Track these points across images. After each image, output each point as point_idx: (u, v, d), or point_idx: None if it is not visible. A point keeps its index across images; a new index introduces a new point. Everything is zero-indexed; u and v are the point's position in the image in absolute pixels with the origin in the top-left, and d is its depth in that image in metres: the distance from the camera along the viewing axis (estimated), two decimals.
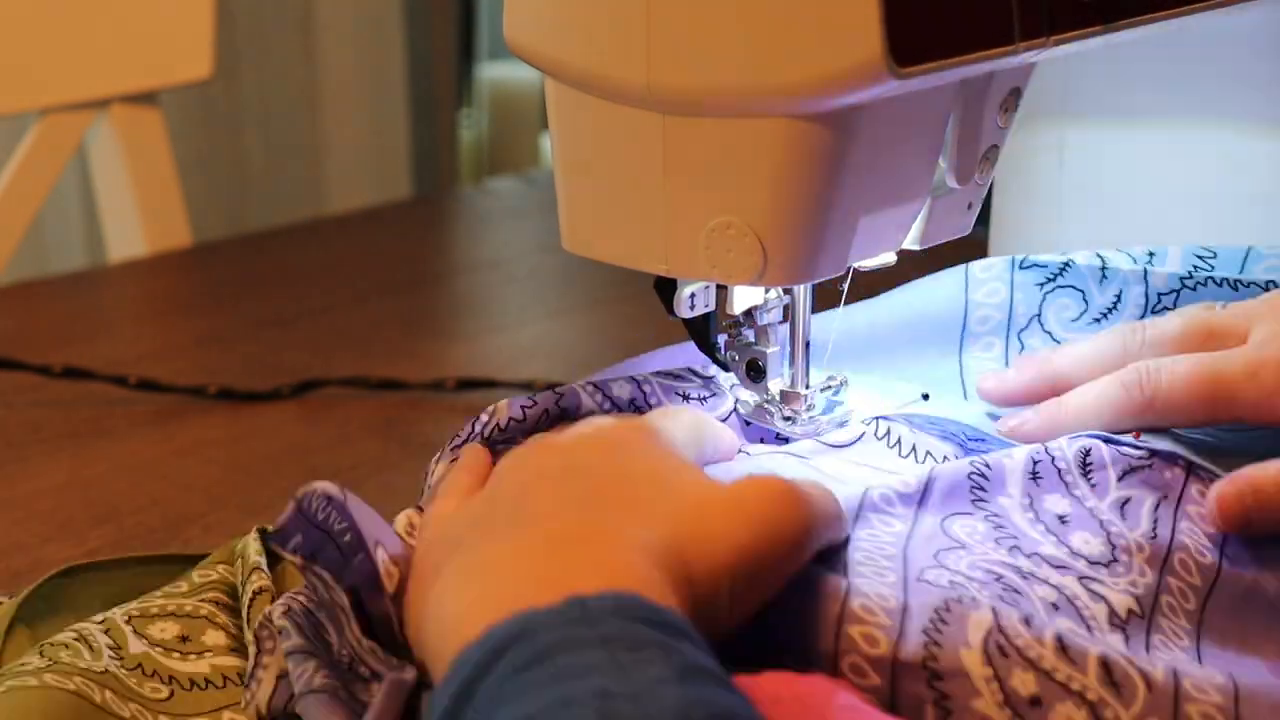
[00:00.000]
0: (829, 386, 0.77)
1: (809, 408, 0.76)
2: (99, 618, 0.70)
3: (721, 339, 0.77)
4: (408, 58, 2.63)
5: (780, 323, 0.77)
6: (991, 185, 0.77)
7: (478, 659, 0.51)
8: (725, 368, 0.77)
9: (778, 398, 0.76)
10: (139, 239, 1.51)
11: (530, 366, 1.14)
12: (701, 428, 0.71)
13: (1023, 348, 0.82)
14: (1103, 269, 0.81)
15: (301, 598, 0.67)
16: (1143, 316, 0.80)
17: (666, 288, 0.75)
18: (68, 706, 0.64)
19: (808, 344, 0.76)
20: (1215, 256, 0.81)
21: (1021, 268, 0.83)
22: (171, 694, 0.68)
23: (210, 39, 1.51)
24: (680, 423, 0.69)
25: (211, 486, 0.95)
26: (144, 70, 1.49)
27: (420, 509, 0.69)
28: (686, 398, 0.77)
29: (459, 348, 1.21)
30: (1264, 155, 0.92)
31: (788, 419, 0.76)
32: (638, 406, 0.76)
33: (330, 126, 2.56)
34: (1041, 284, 0.82)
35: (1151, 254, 0.82)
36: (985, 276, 0.84)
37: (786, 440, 0.76)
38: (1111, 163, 0.97)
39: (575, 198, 0.72)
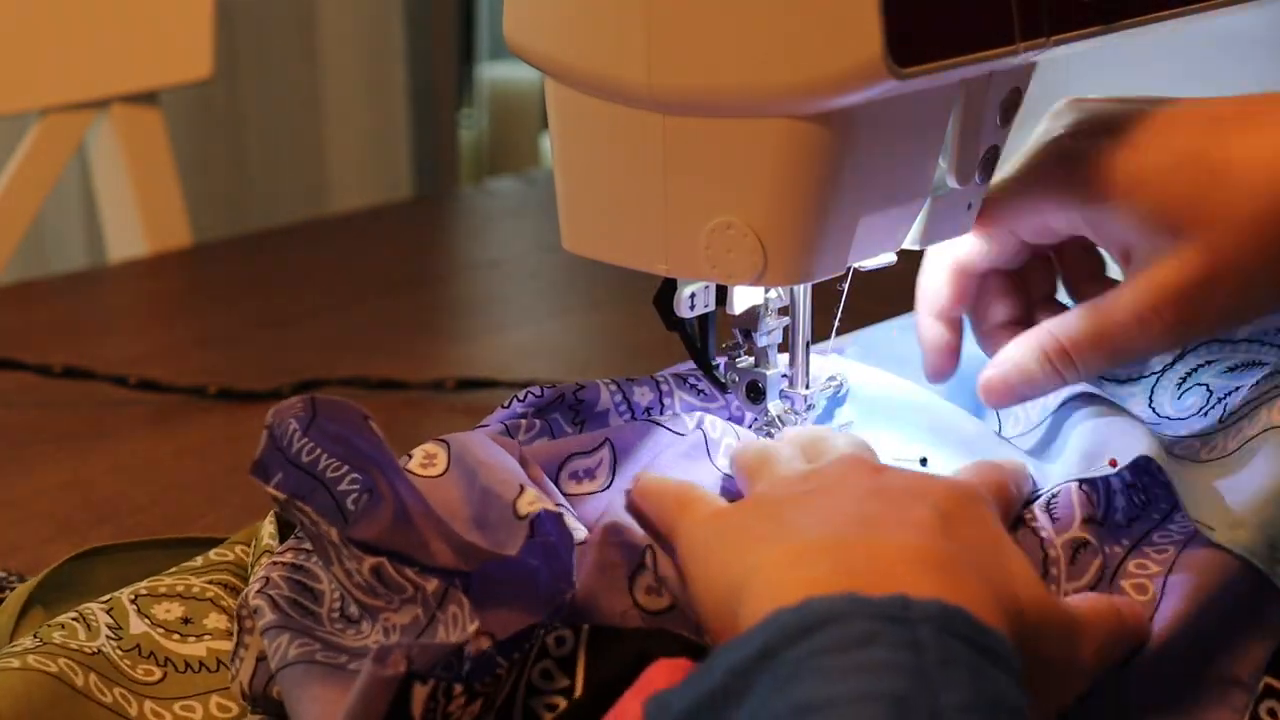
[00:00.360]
0: (829, 386, 0.77)
1: (809, 407, 0.76)
2: (106, 597, 0.70)
3: (721, 361, 0.77)
4: (408, 58, 2.63)
5: (781, 339, 0.77)
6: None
7: (789, 626, 0.51)
8: (723, 387, 0.77)
9: (778, 419, 0.76)
10: (139, 239, 1.51)
11: (530, 366, 1.14)
12: None
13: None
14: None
15: (284, 560, 0.67)
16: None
17: (665, 301, 0.75)
18: (44, 690, 0.64)
19: (809, 343, 0.76)
20: None
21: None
22: (164, 676, 0.68)
23: (210, 39, 1.51)
24: (1000, 496, 0.68)
25: (211, 486, 0.95)
26: (144, 70, 1.49)
27: (445, 442, 0.69)
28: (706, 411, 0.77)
29: (459, 348, 1.21)
30: None
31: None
32: (654, 416, 0.76)
33: (331, 126, 2.56)
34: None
35: None
36: None
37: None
38: None
39: (575, 198, 0.72)
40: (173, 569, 0.74)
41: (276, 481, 0.64)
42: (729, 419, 0.77)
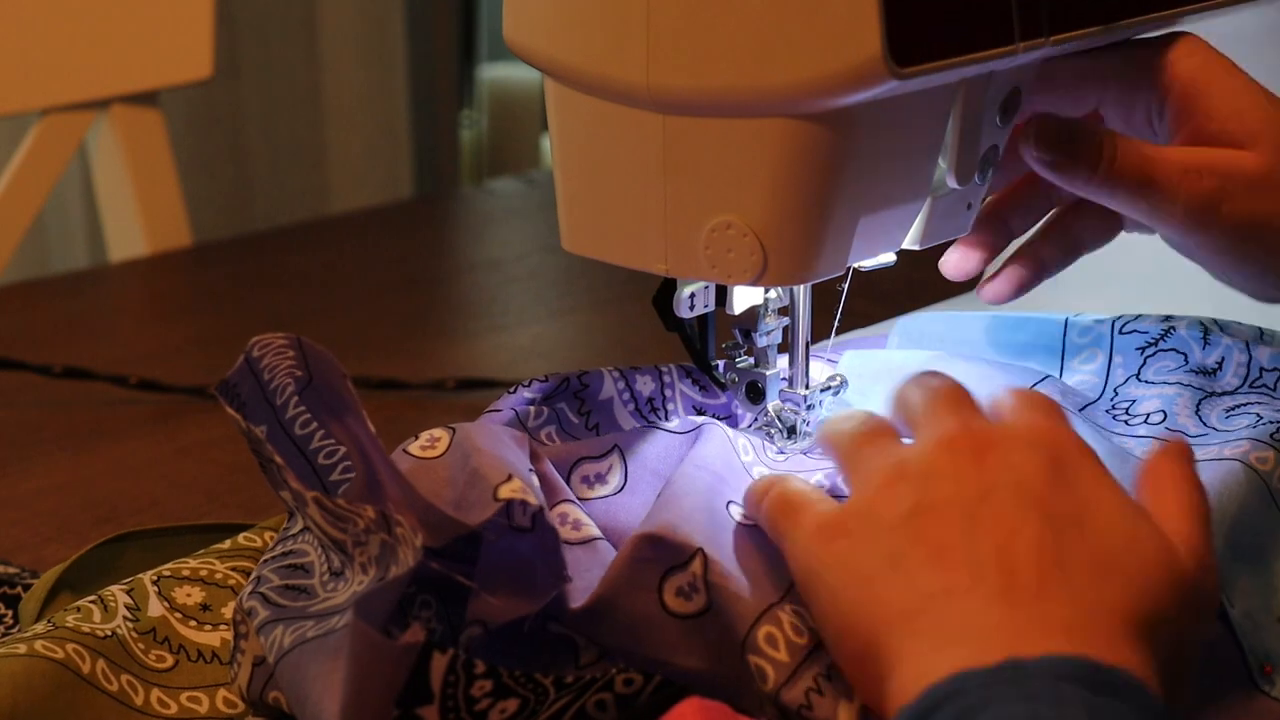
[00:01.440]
0: (829, 387, 0.77)
1: (809, 407, 0.76)
2: (129, 579, 0.70)
3: (721, 362, 0.77)
4: (409, 58, 2.63)
5: (782, 333, 0.77)
6: (991, 185, 0.77)
7: (912, 715, 0.52)
8: (722, 387, 0.77)
9: (777, 419, 0.76)
10: (139, 239, 1.51)
11: (530, 366, 1.14)
12: None
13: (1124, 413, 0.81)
14: (1205, 336, 0.80)
15: (274, 554, 0.67)
16: (1241, 388, 0.79)
17: (665, 302, 0.75)
18: (46, 677, 0.64)
19: (808, 343, 0.76)
20: None
21: (1121, 332, 0.82)
22: (176, 664, 0.68)
23: (210, 39, 1.51)
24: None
25: (211, 486, 0.95)
26: (144, 70, 1.49)
27: (452, 429, 0.69)
28: (701, 411, 0.77)
29: (459, 348, 1.21)
30: None
31: (788, 436, 0.76)
32: (655, 407, 0.76)
33: (331, 127, 2.56)
34: (1142, 349, 0.81)
35: (1261, 331, 0.81)
36: (1083, 342, 0.83)
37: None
38: None
39: (575, 198, 0.72)
40: (200, 550, 0.74)
41: (238, 404, 0.65)
42: (727, 416, 0.77)
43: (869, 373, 0.79)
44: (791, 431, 0.76)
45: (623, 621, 0.64)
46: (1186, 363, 0.80)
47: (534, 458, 0.70)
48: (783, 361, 0.77)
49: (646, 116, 0.67)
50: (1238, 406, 0.77)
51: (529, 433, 0.72)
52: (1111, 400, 0.80)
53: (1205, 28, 0.79)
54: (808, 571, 0.61)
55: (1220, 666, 0.65)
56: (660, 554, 0.64)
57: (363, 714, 0.57)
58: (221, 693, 0.68)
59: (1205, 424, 0.76)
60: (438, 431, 0.69)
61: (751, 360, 0.77)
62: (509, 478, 0.64)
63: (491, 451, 0.67)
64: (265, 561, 0.68)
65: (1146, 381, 0.80)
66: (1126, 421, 0.78)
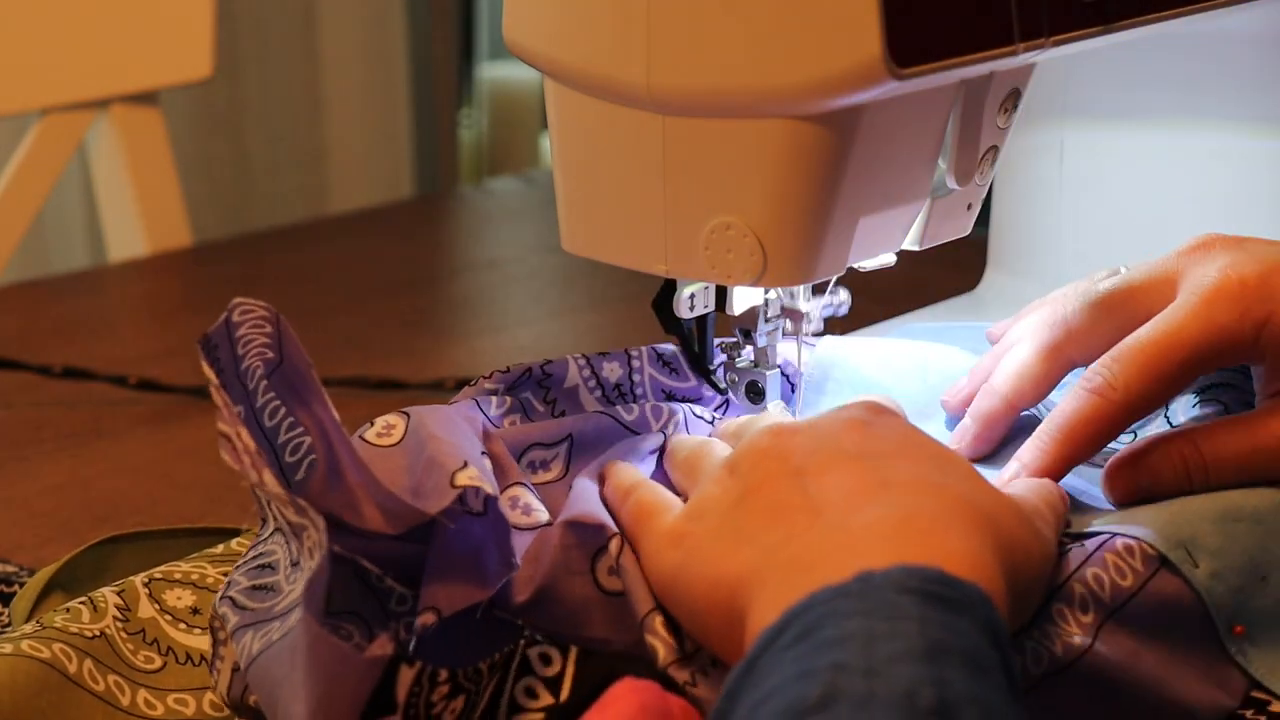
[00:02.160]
0: (830, 305, 0.77)
1: (810, 323, 0.76)
2: (120, 581, 0.70)
3: (720, 360, 0.77)
4: (409, 58, 2.63)
5: (786, 331, 0.77)
6: (991, 185, 0.77)
7: (765, 637, 0.52)
8: (720, 390, 0.77)
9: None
10: (139, 239, 1.51)
11: None
12: None
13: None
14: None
15: (246, 558, 0.67)
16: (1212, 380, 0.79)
17: (665, 305, 0.75)
18: (31, 677, 0.64)
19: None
20: None
21: None
22: (164, 665, 0.68)
23: (210, 39, 1.51)
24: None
25: (211, 486, 0.95)
26: (144, 70, 1.49)
27: (406, 414, 0.69)
28: (671, 396, 0.77)
29: (459, 348, 1.21)
30: (1264, 155, 0.92)
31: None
32: (623, 392, 0.76)
33: (331, 126, 2.56)
34: None
35: None
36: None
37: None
38: (1111, 163, 0.97)
39: (575, 198, 0.72)
40: (194, 554, 0.74)
41: (218, 373, 0.65)
42: (697, 399, 0.77)
43: (844, 358, 0.80)
44: None
45: (565, 608, 0.64)
46: None
47: (487, 438, 0.70)
48: (784, 349, 0.77)
49: (647, 117, 0.67)
50: (1208, 389, 0.77)
51: (491, 421, 0.72)
52: None
53: (1205, 28, 0.79)
54: (663, 578, 0.63)
55: (1187, 625, 0.65)
56: (584, 538, 0.65)
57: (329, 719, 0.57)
58: (209, 695, 0.68)
59: (1170, 423, 0.77)
60: (392, 418, 0.70)
61: (752, 360, 0.77)
62: (465, 464, 0.64)
63: (447, 438, 0.67)
64: (238, 566, 0.68)
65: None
66: None
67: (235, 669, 0.65)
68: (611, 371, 0.76)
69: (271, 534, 0.68)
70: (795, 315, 0.76)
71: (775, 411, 0.76)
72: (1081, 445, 0.71)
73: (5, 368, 1.09)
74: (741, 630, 0.58)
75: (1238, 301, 0.70)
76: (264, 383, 0.66)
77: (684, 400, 0.77)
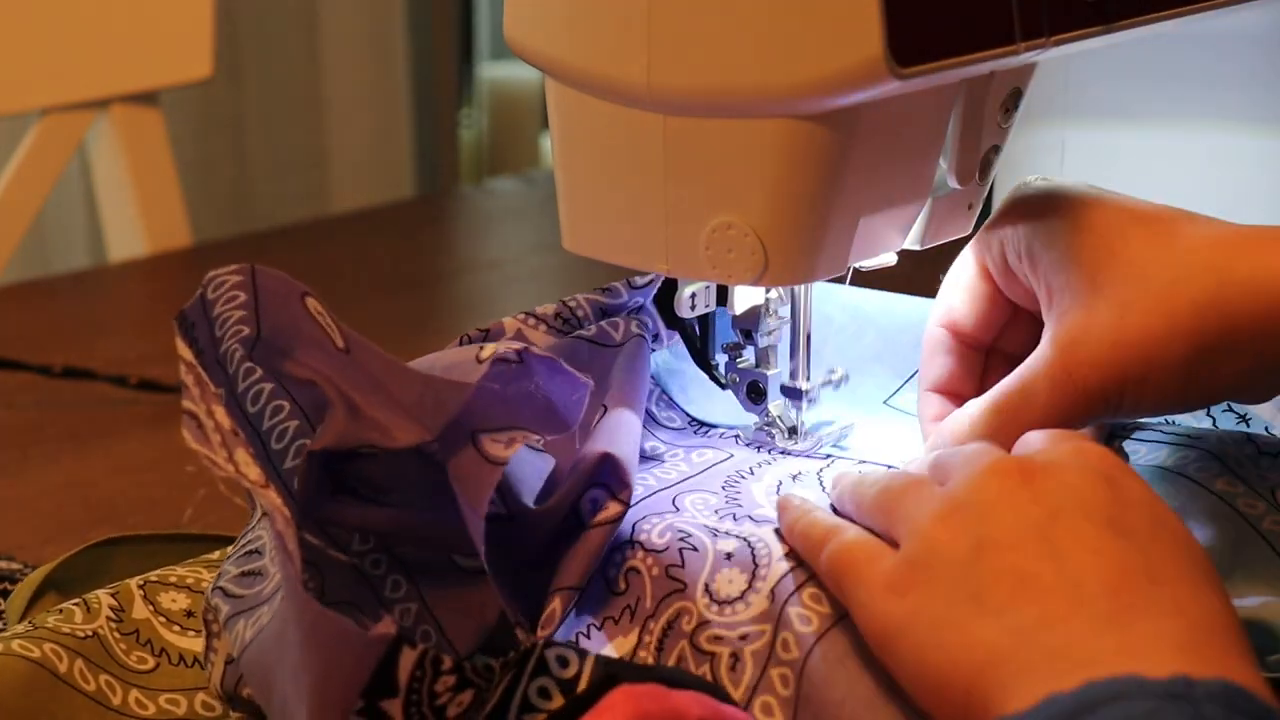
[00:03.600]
0: (829, 380, 0.77)
1: (810, 401, 0.76)
2: (115, 584, 0.70)
3: (722, 361, 0.77)
4: (409, 58, 2.63)
5: (788, 319, 0.77)
6: (992, 185, 0.77)
7: (1067, 707, 0.50)
8: (722, 386, 0.77)
9: (779, 419, 0.76)
10: (139, 239, 1.51)
11: None
12: None
13: None
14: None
15: (234, 553, 0.67)
16: None
17: (667, 303, 0.75)
18: (19, 676, 0.64)
19: (809, 336, 0.76)
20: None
21: None
22: (157, 666, 0.68)
23: (210, 39, 1.51)
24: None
25: (211, 487, 0.95)
26: (144, 70, 1.49)
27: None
28: (605, 312, 0.77)
29: None
30: (1264, 155, 0.92)
31: (789, 435, 0.76)
32: (565, 319, 0.76)
33: (332, 126, 2.56)
34: None
35: None
36: None
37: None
38: (1111, 163, 0.97)
39: (575, 198, 0.72)
40: (190, 560, 0.74)
41: (197, 355, 0.65)
42: (639, 308, 0.77)
43: (865, 314, 0.80)
44: (792, 432, 0.76)
45: (547, 536, 0.65)
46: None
47: None
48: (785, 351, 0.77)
49: (647, 117, 0.67)
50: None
51: None
52: None
53: (1205, 28, 0.79)
54: (885, 634, 0.58)
55: None
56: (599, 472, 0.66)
57: (329, 702, 0.57)
58: (200, 696, 0.68)
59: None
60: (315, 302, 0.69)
61: (752, 360, 0.77)
62: (482, 347, 0.64)
63: (453, 356, 0.68)
64: (230, 555, 0.68)
65: None
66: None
67: (229, 661, 0.65)
68: (546, 308, 0.76)
69: (259, 520, 0.68)
70: (794, 394, 0.76)
71: (777, 412, 0.76)
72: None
73: (5, 368, 1.09)
74: (976, 711, 0.54)
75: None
76: (245, 365, 0.65)
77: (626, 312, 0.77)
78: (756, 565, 0.65)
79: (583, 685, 0.60)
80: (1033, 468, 0.59)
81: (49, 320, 1.28)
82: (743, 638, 0.63)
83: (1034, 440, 0.63)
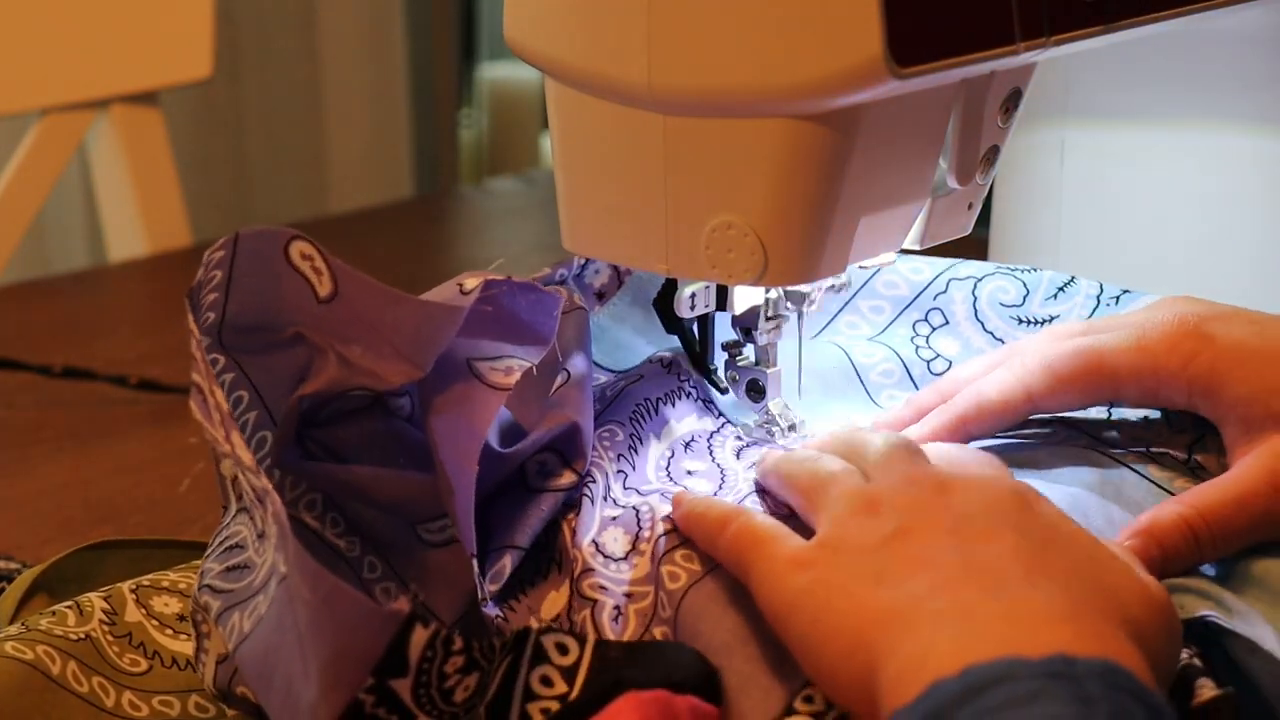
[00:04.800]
0: (834, 286, 0.78)
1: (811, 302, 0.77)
2: (107, 587, 0.70)
3: (721, 359, 0.77)
4: (408, 58, 2.63)
5: (788, 317, 0.77)
6: (992, 185, 0.77)
7: (955, 692, 0.51)
8: (720, 388, 0.77)
9: (778, 417, 0.76)
10: (139, 239, 1.51)
11: None
12: None
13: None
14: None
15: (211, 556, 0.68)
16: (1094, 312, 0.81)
17: (667, 304, 0.75)
18: (14, 677, 0.64)
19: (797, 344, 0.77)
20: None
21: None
22: (150, 668, 0.68)
23: (210, 39, 1.51)
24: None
25: (212, 487, 0.94)
26: (144, 70, 1.49)
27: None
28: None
29: None
30: (1264, 155, 0.92)
31: (790, 433, 0.76)
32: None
33: (331, 126, 2.56)
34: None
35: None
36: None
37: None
38: (1112, 163, 0.97)
39: (575, 198, 0.72)
40: (182, 565, 0.74)
41: (200, 321, 0.65)
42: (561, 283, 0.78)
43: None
44: (792, 429, 0.76)
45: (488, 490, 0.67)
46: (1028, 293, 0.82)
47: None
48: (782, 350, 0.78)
49: (647, 116, 0.67)
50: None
51: None
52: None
53: (1205, 28, 0.79)
54: (781, 604, 0.61)
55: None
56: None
57: (339, 679, 0.57)
58: (194, 698, 0.68)
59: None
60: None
61: (752, 359, 0.77)
62: (462, 281, 0.66)
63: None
64: (208, 554, 0.68)
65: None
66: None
67: (221, 660, 0.65)
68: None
69: (234, 516, 0.68)
70: (797, 298, 0.76)
71: (777, 410, 0.76)
72: (980, 420, 0.73)
73: (5, 368, 1.09)
74: (860, 663, 0.57)
75: (1169, 334, 0.71)
76: (211, 356, 0.65)
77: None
78: (640, 528, 0.67)
79: (583, 673, 0.60)
80: (948, 483, 0.62)
81: (49, 320, 1.28)
82: (628, 595, 0.66)
83: (952, 454, 0.67)
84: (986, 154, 0.73)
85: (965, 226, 0.76)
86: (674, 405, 0.75)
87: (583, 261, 0.78)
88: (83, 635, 0.67)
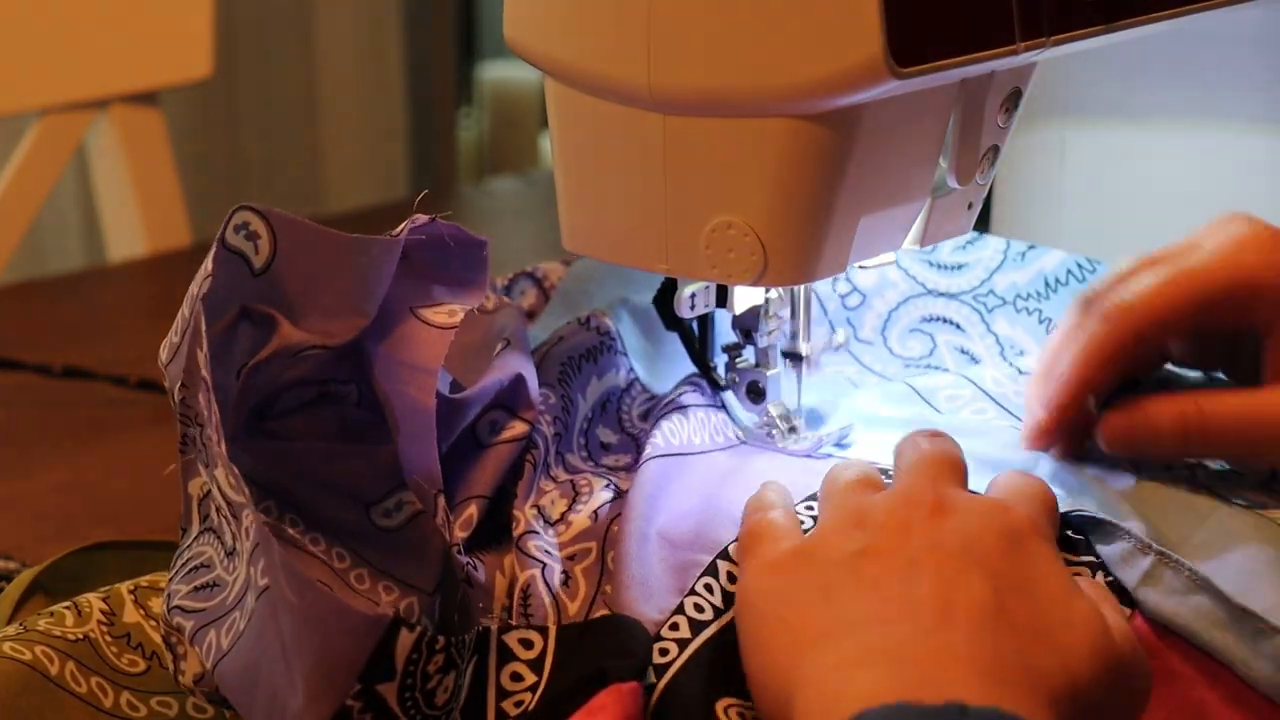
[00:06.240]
0: (831, 346, 0.77)
1: (813, 366, 0.77)
2: (106, 588, 0.70)
3: (722, 360, 0.77)
4: (407, 57, 2.63)
5: (789, 315, 0.77)
6: (992, 185, 0.77)
7: None
8: (720, 387, 0.77)
9: (778, 419, 0.76)
10: (139, 239, 1.51)
11: None
12: None
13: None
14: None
15: (174, 578, 0.68)
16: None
17: (666, 302, 0.75)
18: (14, 678, 0.64)
19: (808, 301, 0.76)
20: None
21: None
22: (148, 669, 0.68)
23: (210, 39, 1.51)
24: (1052, 519, 0.65)
25: None
26: (144, 70, 1.49)
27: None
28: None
29: None
30: (1263, 155, 0.92)
31: (789, 435, 0.76)
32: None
33: (329, 126, 2.56)
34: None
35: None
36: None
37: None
38: (1111, 162, 0.97)
39: (575, 197, 0.72)
40: None
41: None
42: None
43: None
44: (792, 431, 0.76)
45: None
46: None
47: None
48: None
49: (647, 116, 0.67)
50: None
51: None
52: None
53: (1206, 28, 0.79)
54: (742, 603, 0.62)
55: None
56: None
57: (327, 685, 0.57)
58: (192, 699, 0.68)
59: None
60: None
61: (752, 360, 0.77)
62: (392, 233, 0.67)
63: None
64: (171, 578, 0.68)
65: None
66: None
67: (198, 679, 0.65)
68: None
69: (196, 537, 0.68)
70: (795, 358, 0.76)
71: (776, 411, 0.76)
72: (1096, 369, 0.70)
73: (5, 368, 1.09)
74: (782, 681, 0.57)
75: (1266, 248, 0.70)
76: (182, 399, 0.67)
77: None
78: (577, 495, 0.69)
79: (549, 661, 0.62)
80: (946, 507, 0.62)
81: (49, 320, 1.28)
82: (571, 557, 0.67)
83: (998, 481, 0.66)
84: (986, 154, 0.73)
85: (965, 226, 0.76)
86: (595, 361, 0.77)
87: (509, 279, 0.82)
88: (81, 636, 0.67)
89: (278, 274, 0.65)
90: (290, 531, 0.65)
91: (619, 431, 0.77)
